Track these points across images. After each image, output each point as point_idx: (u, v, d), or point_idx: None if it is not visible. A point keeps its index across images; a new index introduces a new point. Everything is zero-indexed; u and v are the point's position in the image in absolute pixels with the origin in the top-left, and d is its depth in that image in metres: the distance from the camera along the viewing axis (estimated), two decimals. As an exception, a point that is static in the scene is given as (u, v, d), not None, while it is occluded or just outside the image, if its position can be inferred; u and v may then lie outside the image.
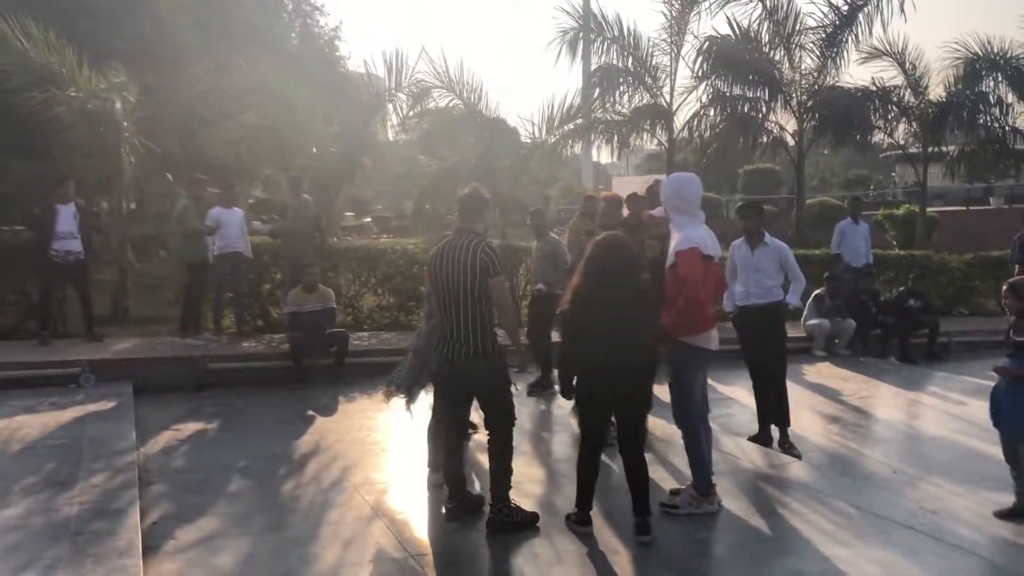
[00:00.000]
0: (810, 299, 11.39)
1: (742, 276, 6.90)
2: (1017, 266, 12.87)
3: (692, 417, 5.16)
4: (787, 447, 6.76)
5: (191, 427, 7.36)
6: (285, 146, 13.11)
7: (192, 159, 14.08)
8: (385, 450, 6.58)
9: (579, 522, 4.84)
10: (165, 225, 11.71)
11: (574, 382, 4.83)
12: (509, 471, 4.99)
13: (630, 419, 4.84)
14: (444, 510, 5.14)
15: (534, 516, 5.02)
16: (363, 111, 13.66)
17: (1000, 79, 17.19)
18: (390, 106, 13.99)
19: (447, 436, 5.23)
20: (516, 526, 4.90)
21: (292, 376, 8.95)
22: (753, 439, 6.86)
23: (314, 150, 13.07)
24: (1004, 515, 5.29)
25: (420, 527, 5.05)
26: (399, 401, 5.62)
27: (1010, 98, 17.38)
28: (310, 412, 7.99)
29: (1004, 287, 5.72)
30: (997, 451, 5.55)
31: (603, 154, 26.27)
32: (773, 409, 6.87)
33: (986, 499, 5.56)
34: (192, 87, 14.23)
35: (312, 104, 13.18)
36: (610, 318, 4.62)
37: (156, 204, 15.33)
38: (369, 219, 28.96)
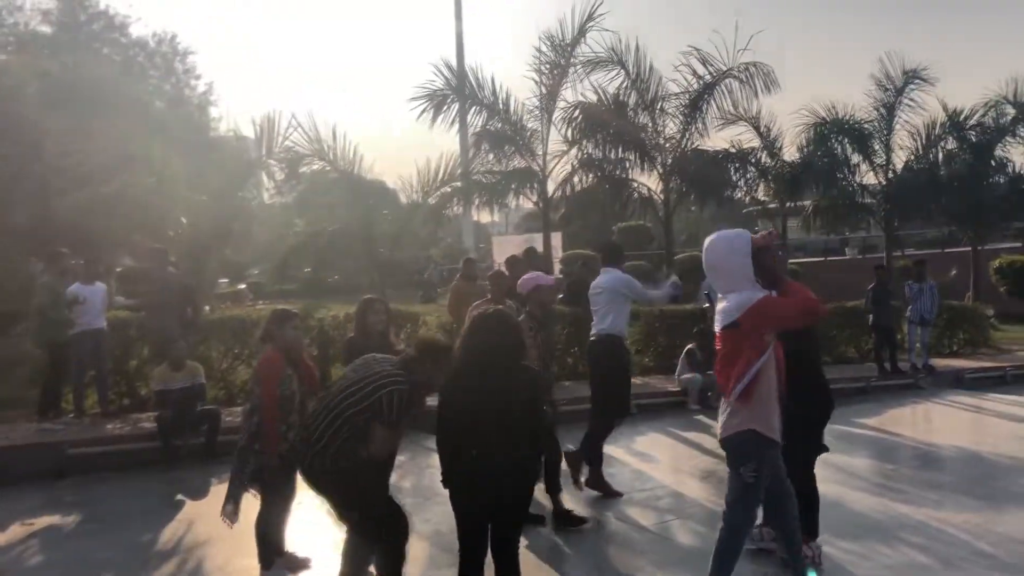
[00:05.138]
0: (683, 354, 11.80)
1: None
2: (871, 316, 13.73)
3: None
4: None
5: (48, 519, 6.89)
6: (153, 214, 12.72)
7: (49, 231, 13.42)
8: (260, 533, 6.32)
9: None
10: (24, 302, 11.06)
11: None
12: None
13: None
14: None
15: None
16: (234, 177, 13.43)
17: (845, 141, 18.53)
18: (263, 173, 13.84)
19: None
20: None
21: (161, 458, 8.53)
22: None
23: (184, 220, 12.70)
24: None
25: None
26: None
27: (855, 158, 18.76)
28: (180, 496, 7.62)
29: None
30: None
31: (483, 214, 26.73)
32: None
33: (850, 547, 5.79)
34: (44, 157, 13.62)
35: (181, 171, 12.89)
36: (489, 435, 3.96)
37: (10, 280, 14.49)
38: (244, 285, 28.24)
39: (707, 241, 4.57)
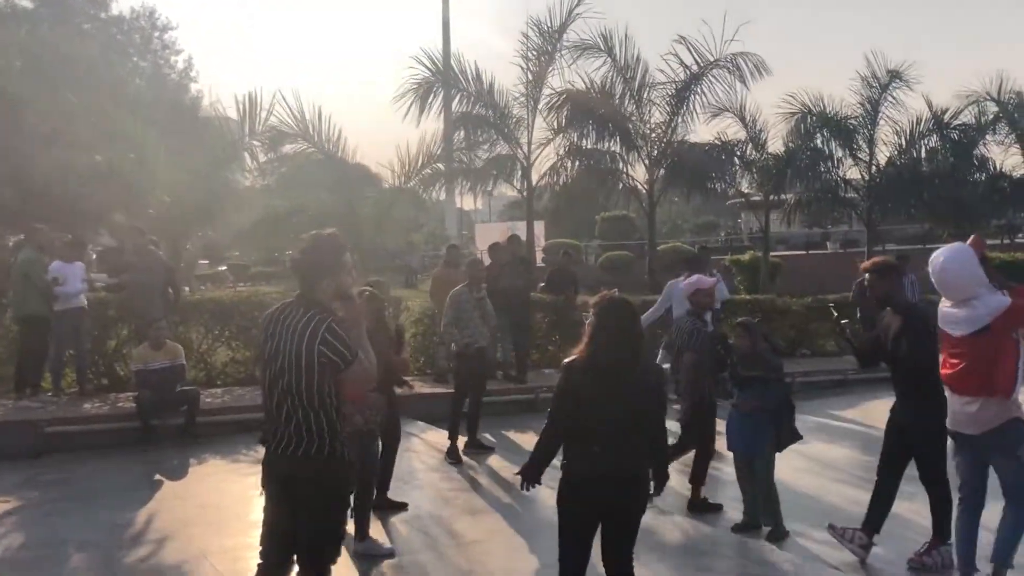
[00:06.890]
0: (662, 344, 11.80)
1: None
2: (858, 308, 13.79)
3: None
4: None
5: (24, 498, 6.83)
6: (134, 192, 12.58)
7: (32, 208, 13.26)
8: (238, 515, 6.30)
9: None
10: (5, 277, 10.95)
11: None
12: None
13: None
14: None
15: None
16: (216, 157, 13.30)
17: (829, 136, 18.65)
18: (245, 153, 13.70)
19: None
20: None
21: (139, 438, 8.46)
22: None
23: (166, 199, 12.56)
24: (739, 529, 5.96)
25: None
26: None
27: (839, 152, 18.88)
28: (158, 476, 7.59)
29: (736, 324, 6.28)
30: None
31: (466, 201, 26.76)
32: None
33: (825, 537, 5.82)
34: (27, 133, 13.46)
35: (161, 149, 12.73)
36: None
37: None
38: (224, 267, 28.07)
39: (937, 264, 4.73)
